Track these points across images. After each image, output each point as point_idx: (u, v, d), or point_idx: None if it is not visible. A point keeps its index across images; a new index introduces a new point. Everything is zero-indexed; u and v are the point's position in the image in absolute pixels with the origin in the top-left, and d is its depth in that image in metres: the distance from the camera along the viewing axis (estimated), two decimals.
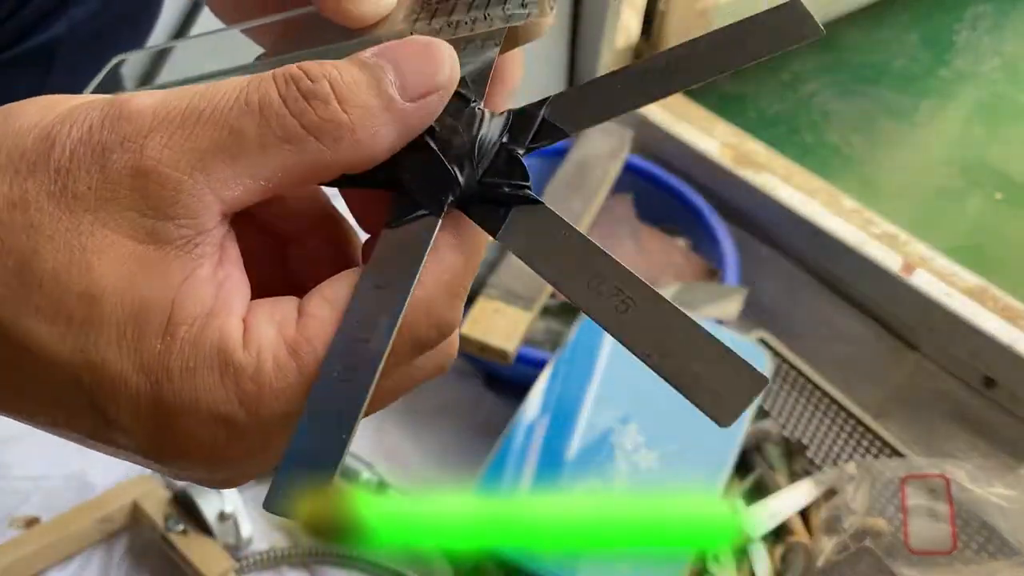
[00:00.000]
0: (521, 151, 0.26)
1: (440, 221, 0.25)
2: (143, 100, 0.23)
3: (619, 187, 1.09)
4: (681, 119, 1.18)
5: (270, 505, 0.22)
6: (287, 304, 0.25)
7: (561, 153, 1.11)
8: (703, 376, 0.22)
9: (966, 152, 1.28)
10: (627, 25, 1.24)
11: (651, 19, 1.25)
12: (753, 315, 1.03)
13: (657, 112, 1.19)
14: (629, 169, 1.11)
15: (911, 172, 1.24)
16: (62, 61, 0.63)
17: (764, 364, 0.86)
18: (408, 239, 0.24)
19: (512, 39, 0.28)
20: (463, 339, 0.89)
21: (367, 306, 0.24)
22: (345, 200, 0.30)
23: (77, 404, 0.23)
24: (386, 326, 0.23)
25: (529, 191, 0.25)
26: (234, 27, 0.33)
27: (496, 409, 0.96)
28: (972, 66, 1.39)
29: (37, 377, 0.23)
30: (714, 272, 1.03)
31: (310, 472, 0.22)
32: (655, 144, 1.18)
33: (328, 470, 0.22)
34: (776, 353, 0.95)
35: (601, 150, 1.10)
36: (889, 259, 1.00)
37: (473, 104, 0.26)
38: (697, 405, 0.22)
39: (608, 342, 0.87)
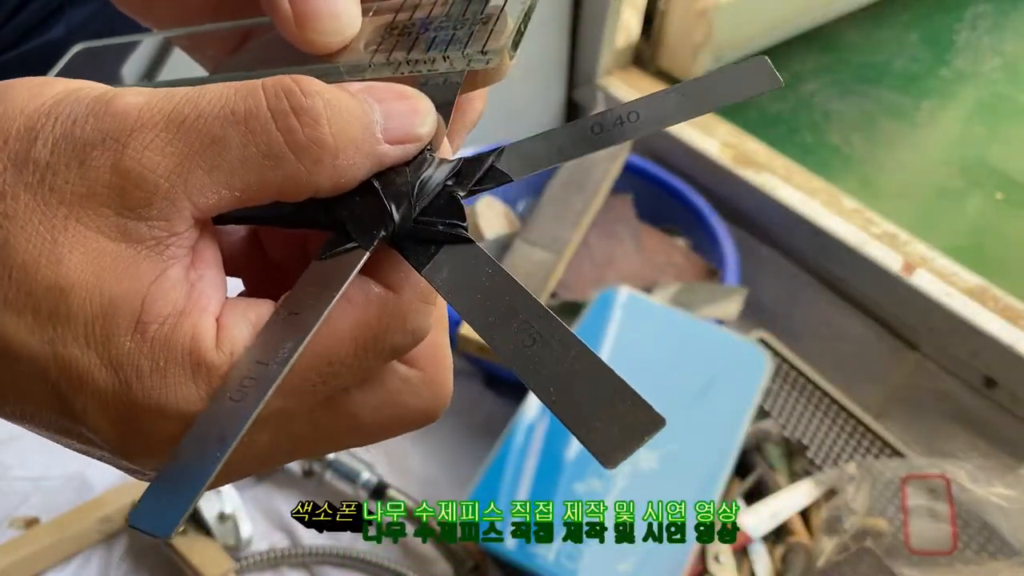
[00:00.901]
0: (462, 193, 0.26)
1: (368, 255, 0.25)
2: (130, 98, 0.23)
3: (619, 187, 1.09)
4: None
5: (134, 521, 0.22)
6: (263, 306, 0.25)
7: None
8: (595, 414, 0.22)
9: (966, 152, 1.28)
10: (627, 25, 1.24)
11: (651, 19, 1.25)
12: (753, 315, 1.03)
13: None
14: (629, 169, 1.11)
15: (911, 172, 1.24)
16: None
17: (764, 364, 0.86)
18: (332, 270, 0.24)
19: (472, 81, 0.28)
20: (463, 339, 0.89)
21: (276, 331, 0.24)
22: (261, 233, 0.31)
23: (44, 397, 0.23)
24: (288, 351, 0.23)
25: (463, 231, 0.25)
26: (187, 30, 0.33)
27: (496, 409, 0.96)
28: (972, 66, 1.39)
29: (4, 367, 0.23)
30: (714, 272, 1.03)
31: (174, 495, 0.22)
32: (655, 144, 1.18)
33: (187, 496, 0.22)
34: (776, 353, 0.95)
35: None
36: (889, 259, 1.00)
37: (426, 150, 0.26)
38: (584, 443, 0.22)
39: (609, 342, 0.87)
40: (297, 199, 0.24)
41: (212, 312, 0.24)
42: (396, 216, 0.25)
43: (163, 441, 0.23)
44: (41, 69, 0.62)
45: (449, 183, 0.26)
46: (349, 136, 0.24)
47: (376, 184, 0.25)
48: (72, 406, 0.23)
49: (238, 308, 0.24)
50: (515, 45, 0.27)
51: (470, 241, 0.25)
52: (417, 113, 0.25)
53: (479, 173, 0.26)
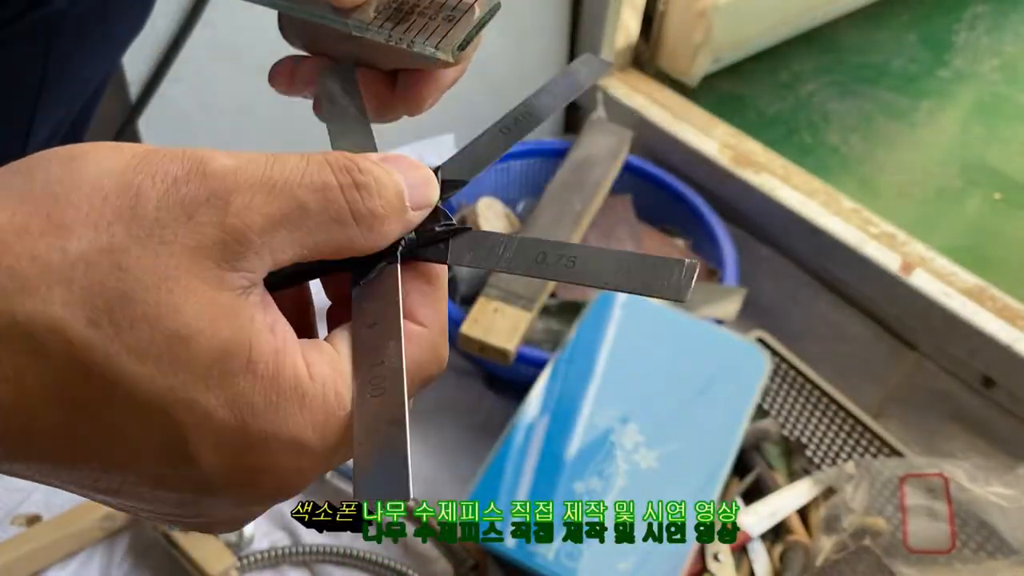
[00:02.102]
0: (439, 203, 0.32)
1: (399, 265, 0.30)
2: (222, 160, 0.26)
3: (619, 187, 1.09)
4: (681, 119, 1.18)
5: (366, 496, 0.25)
6: (327, 345, 0.28)
7: (561, 153, 1.12)
8: (653, 279, 0.28)
9: (965, 152, 1.28)
10: (627, 25, 1.24)
11: (651, 19, 1.25)
12: (753, 315, 1.03)
13: (657, 112, 1.19)
14: (629, 169, 1.11)
15: (910, 172, 1.24)
16: (65, 34, 0.63)
17: (763, 364, 0.87)
18: (379, 285, 0.29)
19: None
20: (463, 339, 0.89)
21: (369, 341, 0.28)
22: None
23: (153, 443, 0.25)
24: (393, 347, 0.28)
25: (453, 224, 0.31)
26: None
27: (496, 409, 0.97)
28: (971, 66, 1.39)
29: (124, 417, 0.24)
30: (714, 272, 1.03)
31: (390, 467, 0.26)
32: (655, 144, 1.19)
33: (403, 464, 0.26)
34: (775, 353, 0.96)
35: (601, 150, 1.10)
36: (888, 259, 1.00)
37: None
38: (660, 297, 0.28)
39: (609, 342, 0.87)
40: (345, 255, 0.29)
41: (300, 351, 0.27)
42: (404, 240, 0.30)
43: (270, 468, 0.26)
44: (47, 39, 0.63)
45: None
46: (393, 207, 0.29)
47: None
48: (186, 448, 0.25)
49: (313, 347, 0.27)
50: (463, 46, 0.34)
51: (467, 228, 0.31)
52: (430, 184, 0.30)
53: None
